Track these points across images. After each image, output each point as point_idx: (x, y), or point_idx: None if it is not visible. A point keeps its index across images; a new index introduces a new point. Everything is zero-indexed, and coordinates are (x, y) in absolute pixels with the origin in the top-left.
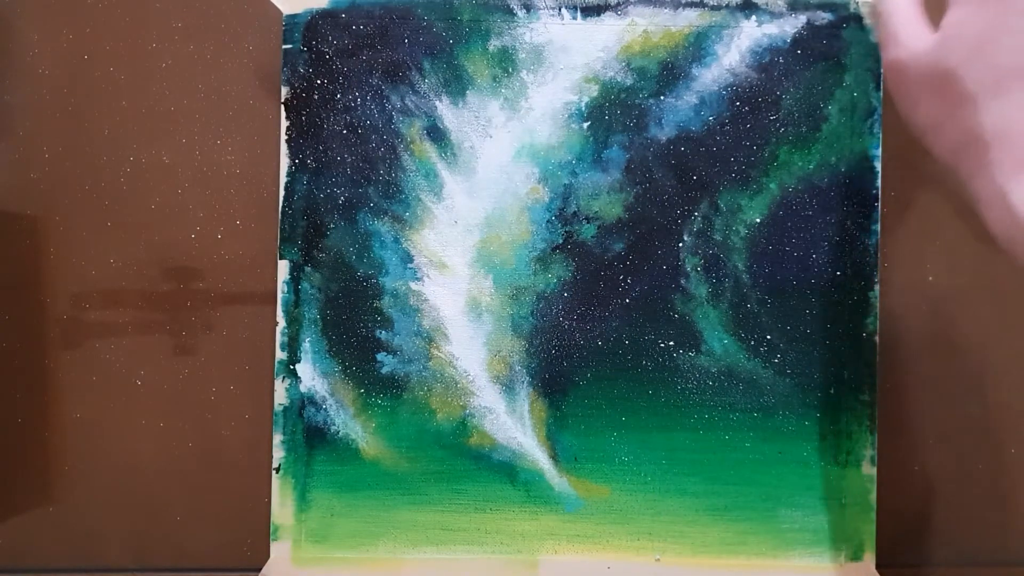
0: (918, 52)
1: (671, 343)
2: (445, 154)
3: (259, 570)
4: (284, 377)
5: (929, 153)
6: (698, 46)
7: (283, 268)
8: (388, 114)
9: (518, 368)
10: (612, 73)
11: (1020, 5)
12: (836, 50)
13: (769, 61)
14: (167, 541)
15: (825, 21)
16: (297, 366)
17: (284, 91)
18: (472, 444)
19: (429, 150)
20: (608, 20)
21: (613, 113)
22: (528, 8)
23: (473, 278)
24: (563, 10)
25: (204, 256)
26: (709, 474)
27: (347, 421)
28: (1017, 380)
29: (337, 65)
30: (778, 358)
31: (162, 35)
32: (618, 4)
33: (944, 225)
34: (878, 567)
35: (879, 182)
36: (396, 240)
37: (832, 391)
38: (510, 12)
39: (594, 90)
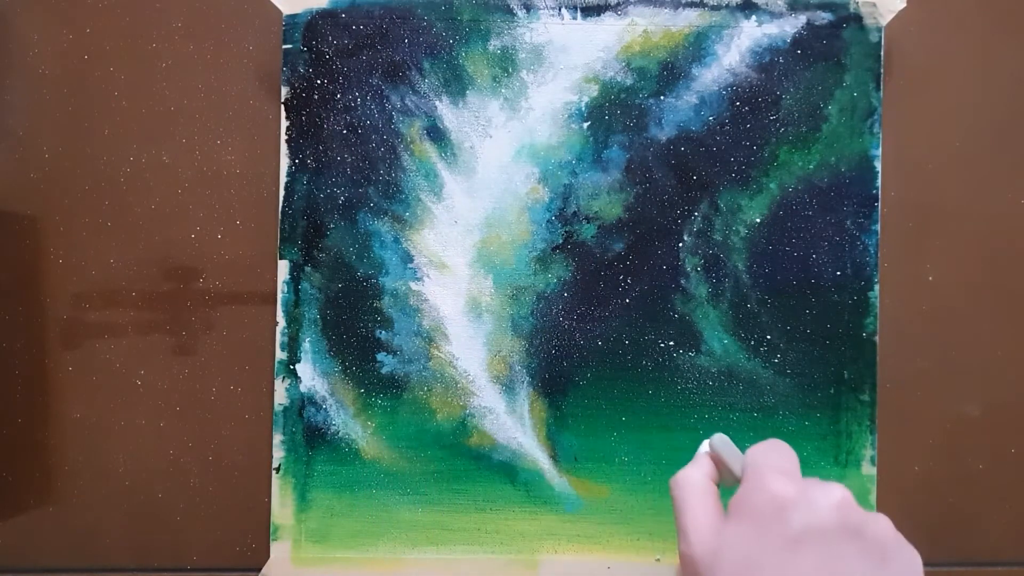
0: (700, 555)
1: (671, 343)
2: (445, 154)
3: (259, 570)
4: (284, 377)
5: None
6: (698, 46)
7: (283, 268)
8: (388, 114)
9: (518, 368)
10: (612, 73)
11: (783, 531)
12: (836, 50)
13: (769, 61)
14: (167, 541)
15: (825, 21)
16: (297, 366)
17: (284, 91)
18: (472, 444)
19: (429, 150)
20: (608, 20)
21: (613, 113)
22: (528, 8)
23: (473, 278)
24: (563, 10)
25: (204, 256)
26: None
27: (347, 421)
28: (1017, 380)
29: (337, 65)
30: (778, 358)
31: (162, 35)
32: (618, 4)
33: (944, 225)
34: None
35: (879, 182)
36: (396, 240)
37: (832, 391)
38: (510, 12)
39: (594, 90)
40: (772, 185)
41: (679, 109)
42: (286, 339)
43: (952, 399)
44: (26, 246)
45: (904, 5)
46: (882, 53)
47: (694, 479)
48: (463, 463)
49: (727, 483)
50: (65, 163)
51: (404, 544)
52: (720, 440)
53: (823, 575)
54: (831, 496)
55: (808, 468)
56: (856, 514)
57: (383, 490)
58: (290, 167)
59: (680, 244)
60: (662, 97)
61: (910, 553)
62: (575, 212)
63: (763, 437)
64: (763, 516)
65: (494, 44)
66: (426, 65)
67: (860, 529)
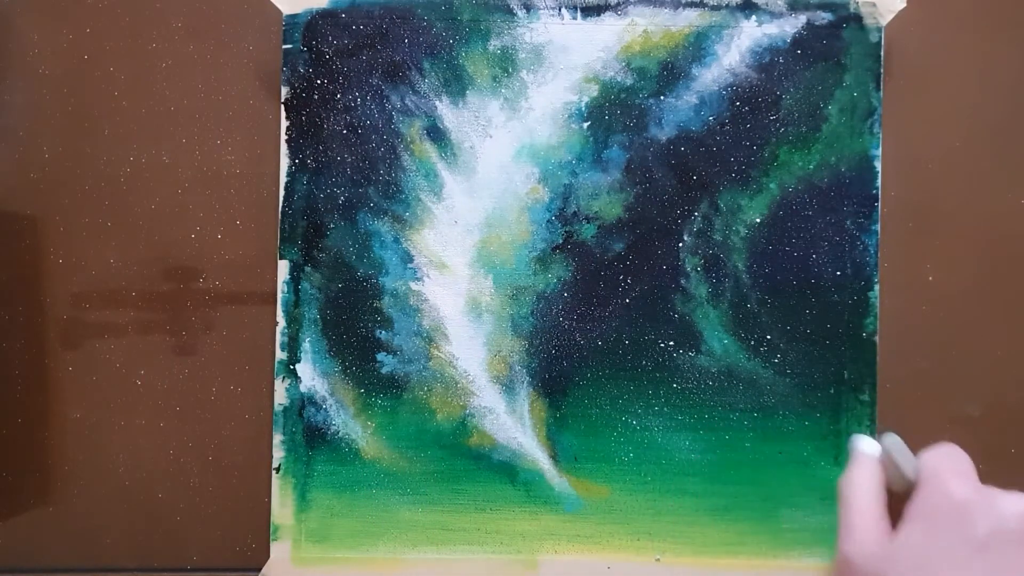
0: (867, 554)
1: (671, 343)
2: (445, 154)
3: (259, 570)
4: (284, 377)
5: None
6: (698, 46)
7: (283, 268)
8: (388, 114)
9: (518, 368)
10: (612, 73)
11: (965, 536)
12: (836, 50)
13: (769, 61)
14: (167, 541)
15: (825, 21)
16: (297, 366)
17: (284, 91)
18: (472, 444)
19: (429, 150)
20: (608, 20)
21: (613, 113)
22: (528, 8)
23: (473, 278)
24: (563, 10)
25: (204, 256)
26: (709, 474)
27: (347, 421)
28: (1017, 380)
29: (337, 65)
30: (778, 358)
31: (162, 35)
32: (618, 4)
33: (944, 225)
34: None
35: (879, 182)
36: (396, 240)
37: (832, 391)
38: (510, 12)
39: (594, 90)
40: (772, 185)
41: (679, 109)
42: (286, 339)
43: (952, 399)
44: (26, 246)
45: (904, 5)
46: (882, 53)
47: (865, 479)
48: (463, 463)
49: (896, 486)
50: (65, 163)
51: (404, 544)
52: (893, 441)
53: None
54: (1019, 504)
55: (808, 468)
56: None
57: (383, 490)
58: (290, 167)
59: (680, 244)
60: (662, 97)
61: None
62: (575, 212)
63: (763, 437)
64: (943, 519)
65: (494, 44)
66: (426, 65)
67: None
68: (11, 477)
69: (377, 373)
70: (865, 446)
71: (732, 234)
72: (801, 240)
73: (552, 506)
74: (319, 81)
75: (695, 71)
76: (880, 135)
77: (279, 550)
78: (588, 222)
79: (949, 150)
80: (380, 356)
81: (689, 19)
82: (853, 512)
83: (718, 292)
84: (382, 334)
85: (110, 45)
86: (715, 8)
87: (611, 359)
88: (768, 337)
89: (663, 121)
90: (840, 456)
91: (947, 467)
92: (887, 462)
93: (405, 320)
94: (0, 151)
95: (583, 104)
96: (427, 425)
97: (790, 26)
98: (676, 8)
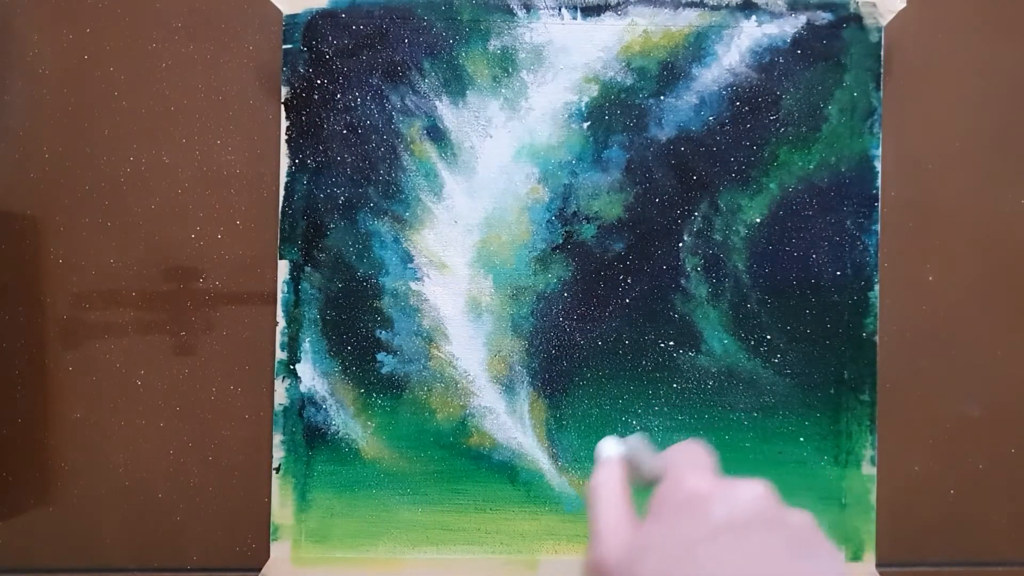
0: (615, 553)
1: (671, 343)
2: (445, 154)
3: (259, 570)
4: (284, 377)
5: None
6: (698, 46)
7: (283, 268)
8: (388, 114)
9: (518, 368)
10: (612, 73)
11: (703, 522)
12: (836, 50)
13: (769, 61)
14: (167, 541)
15: (825, 21)
16: (297, 366)
17: (284, 91)
18: (472, 444)
19: (429, 150)
20: (608, 20)
21: (613, 113)
22: (528, 8)
23: (473, 278)
24: (563, 10)
25: (204, 256)
26: None
27: (347, 421)
28: (1017, 380)
29: (337, 65)
30: (778, 358)
31: (162, 35)
32: (618, 4)
33: (944, 225)
34: (878, 567)
35: (879, 182)
36: (396, 240)
37: (832, 391)
38: (510, 12)
39: (594, 90)
40: (772, 185)
41: (679, 109)
42: (286, 339)
43: (952, 399)
44: (26, 246)
45: (904, 5)
46: (882, 53)
47: (608, 481)
48: (463, 463)
49: (641, 484)
50: (65, 163)
51: (404, 544)
52: (637, 440)
53: (750, 563)
54: (752, 488)
55: (808, 468)
56: (778, 506)
57: (383, 490)
58: (290, 167)
59: (680, 244)
60: (662, 97)
61: (834, 550)
62: (575, 212)
63: (763, 437)
64: (683, 511)
65: (494, 44)
66: (426, 65)
67: (783, 520)
68: (11, 477)
69: (377, 373)
70: (607, 449)
71: (732, 234)
72: (801, 240)
73: (552, 506)
74: (319, 81)
75: (695, 71)
76: (880, 135)
77: (279, 550)
78: (588, 222)
79: (949, 150)
80: (380, 356)
81: (689, 19)
82: (599, 515)
83: (718, 292)
84: (382, 334)
85: (110, 45)
86: (715, 8)
87: (611, 359)
88: (768, 337)
89: (663, 121)
90: (840, 456)
91: (686, 461)
92: (632, 461)
93: (405, 320)
94: (0, 151)
95: (583, 104)
96: (427, 425)
97: (790, 26)
98: (676, 8)
